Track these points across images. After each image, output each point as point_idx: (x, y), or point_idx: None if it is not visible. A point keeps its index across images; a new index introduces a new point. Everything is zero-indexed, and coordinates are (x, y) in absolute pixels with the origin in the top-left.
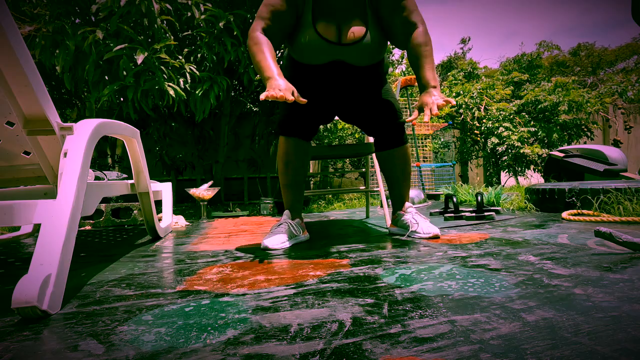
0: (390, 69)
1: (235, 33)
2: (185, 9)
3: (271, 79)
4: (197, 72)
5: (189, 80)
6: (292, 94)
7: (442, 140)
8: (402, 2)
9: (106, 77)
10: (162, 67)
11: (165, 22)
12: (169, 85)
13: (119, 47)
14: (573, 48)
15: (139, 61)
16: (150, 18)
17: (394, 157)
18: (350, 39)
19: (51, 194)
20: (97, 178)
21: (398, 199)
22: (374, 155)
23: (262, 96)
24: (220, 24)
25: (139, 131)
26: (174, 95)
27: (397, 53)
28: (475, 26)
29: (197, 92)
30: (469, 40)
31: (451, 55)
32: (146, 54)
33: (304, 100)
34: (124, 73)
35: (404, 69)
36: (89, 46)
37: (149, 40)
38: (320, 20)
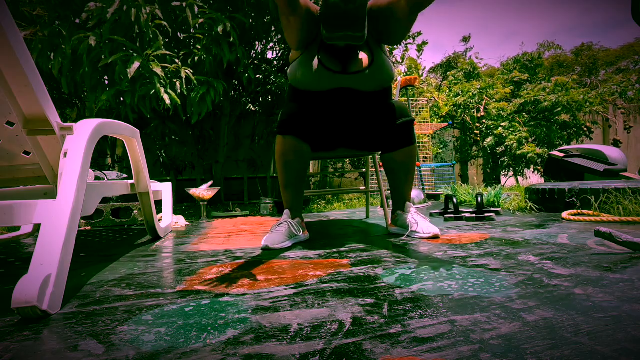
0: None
1: (232, 39)
2: (181, 11)
3: None
4: (193, 77)
5: (185, 85)
6: None
7: (442, 138)
8: (393, 6)
9: (105, 80)
10: (158, 72)
11: (162, 26)
12: (165, 92)
13: (113, 57)
14: (576, 48)
15: (131, 73)
16: (140, 24)
17: (402, 157)
18: (357, 67)
19: (51, 194)
20: (97, 178)
21: (401, 199)
22: (374, 155)
23: None
24: (219, 29)
25: (138, 131)
26: (169, 103)
27: (397, 54)
28: (475, 26)
29: (193, 95)
30: (469, 38)
31: (451, 55)
32: (138, 63)
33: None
34: (121, 77)
35: (402, 70)
36: (84, 51)
37: (145, 44)
38: (324, 50)
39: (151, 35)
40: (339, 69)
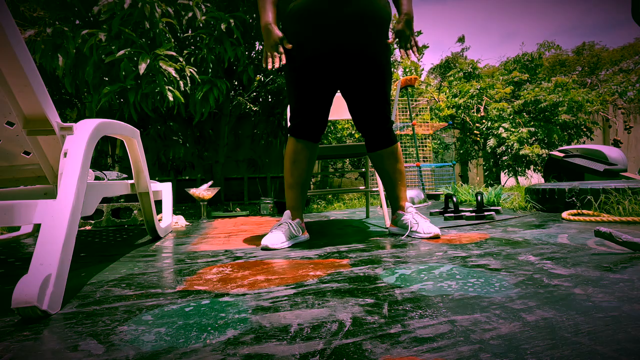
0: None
1: (235, 36)
2: (186, 10)
3: (267, 26)
4: (197, 76)
5: (189, 83)
6: (279, 45)
7: (442, 138)
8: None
9: (106, 79)
10: (163, 71)
11: (165, 24)
12: (169, 90)
13: (121, 52)
14: (578, 47)
15: (142, 70)
16: (152, 20)
17: (384, 157)
18: None
19: (51, 194)
20: (97, 178)
21: (394, 199)
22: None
23: (268, 65)
24: (222, 26)
25: (139, 131)
26: (172, 100)
27: (397, 54)
28: (475, 26)
29: (197, 94)
30: (464, 38)
31: (449, 56)
32: (148, 61)
33: (289, 45)
34: (123, 73)
35: (403, 70)
36: (90, 49)
37: (149, 42)
38: None
39: (158, 32)
40: None
